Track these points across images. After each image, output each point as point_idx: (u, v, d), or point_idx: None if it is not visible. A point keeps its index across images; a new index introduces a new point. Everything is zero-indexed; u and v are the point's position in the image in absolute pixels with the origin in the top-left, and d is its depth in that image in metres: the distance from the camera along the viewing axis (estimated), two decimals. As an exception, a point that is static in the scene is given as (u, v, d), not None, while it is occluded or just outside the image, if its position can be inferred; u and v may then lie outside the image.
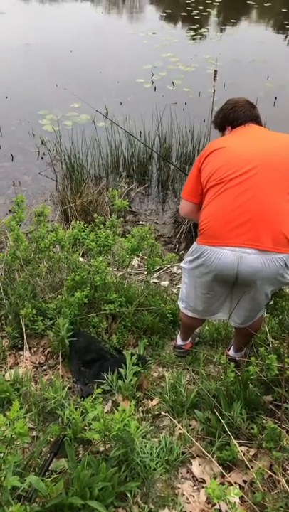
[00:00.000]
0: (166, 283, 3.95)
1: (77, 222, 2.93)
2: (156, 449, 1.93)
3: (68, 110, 7.02)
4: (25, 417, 2.00)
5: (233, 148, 2.05)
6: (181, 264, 2.29)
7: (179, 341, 2.67)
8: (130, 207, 5.22)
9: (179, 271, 3.97)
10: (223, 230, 1.95)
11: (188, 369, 2.55)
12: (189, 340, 2.68)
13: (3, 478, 1.36)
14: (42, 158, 6.02)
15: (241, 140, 2.14)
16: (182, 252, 4.49)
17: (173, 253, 4.52)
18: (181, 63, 8.89)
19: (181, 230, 4.72)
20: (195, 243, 2.13)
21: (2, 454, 1.31)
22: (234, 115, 2.24)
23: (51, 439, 1.93)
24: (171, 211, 5.22)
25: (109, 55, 9.40)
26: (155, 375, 2.50)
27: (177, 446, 1.96)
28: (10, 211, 4.76)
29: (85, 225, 2.90)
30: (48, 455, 1.81)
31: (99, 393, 1.91)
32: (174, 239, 4.74)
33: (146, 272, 3.20)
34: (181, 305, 2.43)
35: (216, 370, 2.56)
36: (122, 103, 7.27)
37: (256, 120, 2.26)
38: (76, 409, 1.81)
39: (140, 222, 5.01)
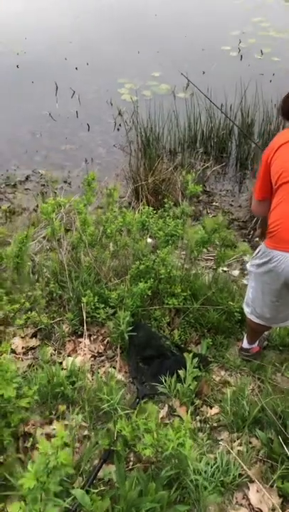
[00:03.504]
0: (236, 272, 3.72)
1: (147, 206, 2.79)
2: (212, 467, 1.79)
3: (148, 79, 6.77)
4: (78, 414, 1.94)
5: None
6: (248, 267, 2.11)
7: (245, 344, 2.48)
8: (204, 186, 4.96)
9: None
10: None
11: (253, 376, 2.37)
12: (257, 343, 2.48)
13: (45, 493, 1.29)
14: (118, 129, 5.87)
15: None
16: (256, 239, 4.20)
17: (246, 240, 4.26)
18: (273, 29, 8.21)
19: (258, 214, 4.41)
20: (263, 245, 1.94)
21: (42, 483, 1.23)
22: None
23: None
24: (248, 193, 4.89)
25: (196, 20, 8.89)
26: (217, 379, 2.34)
27: (234, 467, 1.81)
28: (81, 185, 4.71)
29: (154, 211, 2.74)
30: (98, 460, 1.74)
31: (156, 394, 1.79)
32: (249, 224, 4.44)
33: (214, 260, 3.01)
34: (246, 309, 2.25)
35: (284, 380, 2.35)
36: (204, 72, 6.88)
37: None
38: (128, 419, 1.71)
39: (214, 204, 4.75)
